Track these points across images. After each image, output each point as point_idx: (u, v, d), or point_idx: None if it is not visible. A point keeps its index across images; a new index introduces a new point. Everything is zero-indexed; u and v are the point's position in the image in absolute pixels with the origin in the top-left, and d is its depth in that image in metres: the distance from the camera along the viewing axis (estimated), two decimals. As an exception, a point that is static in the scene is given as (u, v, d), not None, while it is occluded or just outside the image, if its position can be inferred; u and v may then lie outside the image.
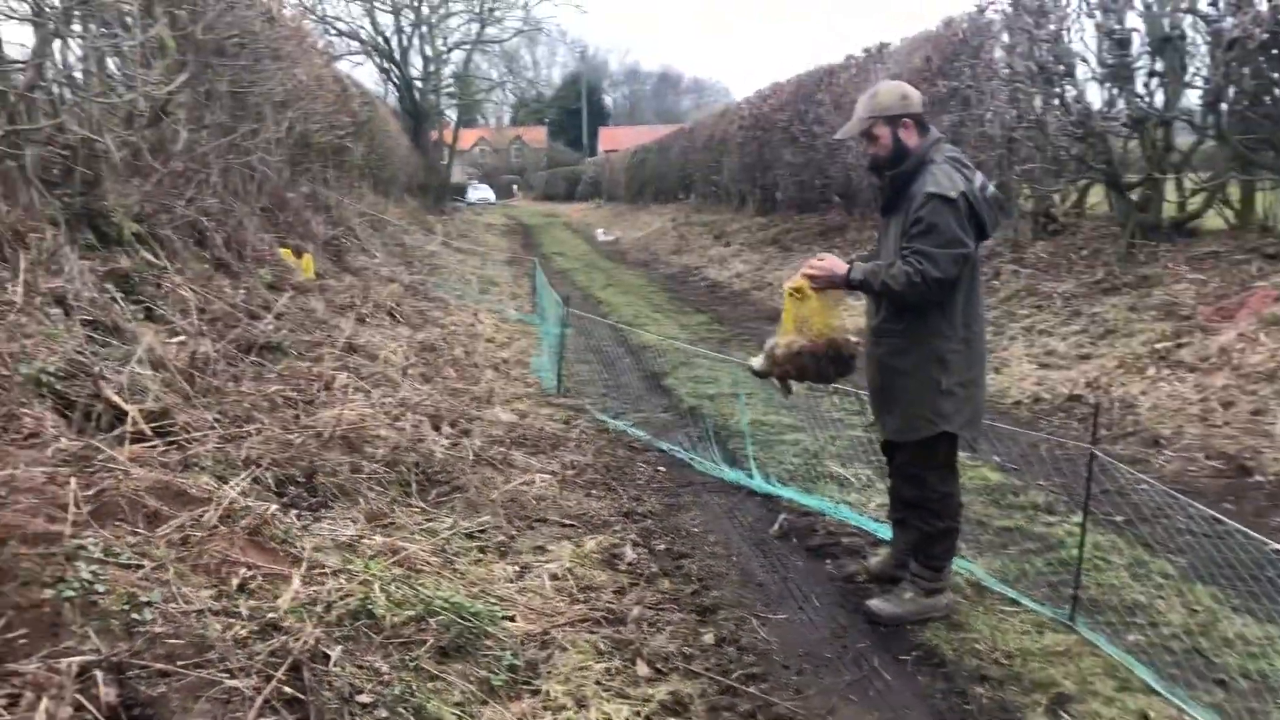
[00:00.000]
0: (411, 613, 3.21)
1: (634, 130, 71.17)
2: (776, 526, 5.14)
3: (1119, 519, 5.00)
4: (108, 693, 2.36)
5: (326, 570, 3.29)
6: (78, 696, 2.31)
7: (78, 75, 6.79)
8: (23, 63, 5.74)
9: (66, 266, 5.50)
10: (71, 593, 2.68)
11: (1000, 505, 5.35)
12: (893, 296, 3.81)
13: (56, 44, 6.37)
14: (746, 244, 20.91)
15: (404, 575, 3.50)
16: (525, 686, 3.16)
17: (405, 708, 2.70)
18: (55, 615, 2.58)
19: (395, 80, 40.63)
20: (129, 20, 7.38)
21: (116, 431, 4.09)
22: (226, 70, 9.19)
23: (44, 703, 2.26)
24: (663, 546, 4.81)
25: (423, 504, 4.61)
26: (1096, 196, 12.07)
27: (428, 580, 3.56)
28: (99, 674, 2.39)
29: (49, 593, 2.65)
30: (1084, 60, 10.86)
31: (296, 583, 3.05)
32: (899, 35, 22.37)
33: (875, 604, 4.03)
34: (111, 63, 7.51)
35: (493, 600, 3.67)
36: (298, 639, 2.73)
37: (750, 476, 5.88)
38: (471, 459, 5.50)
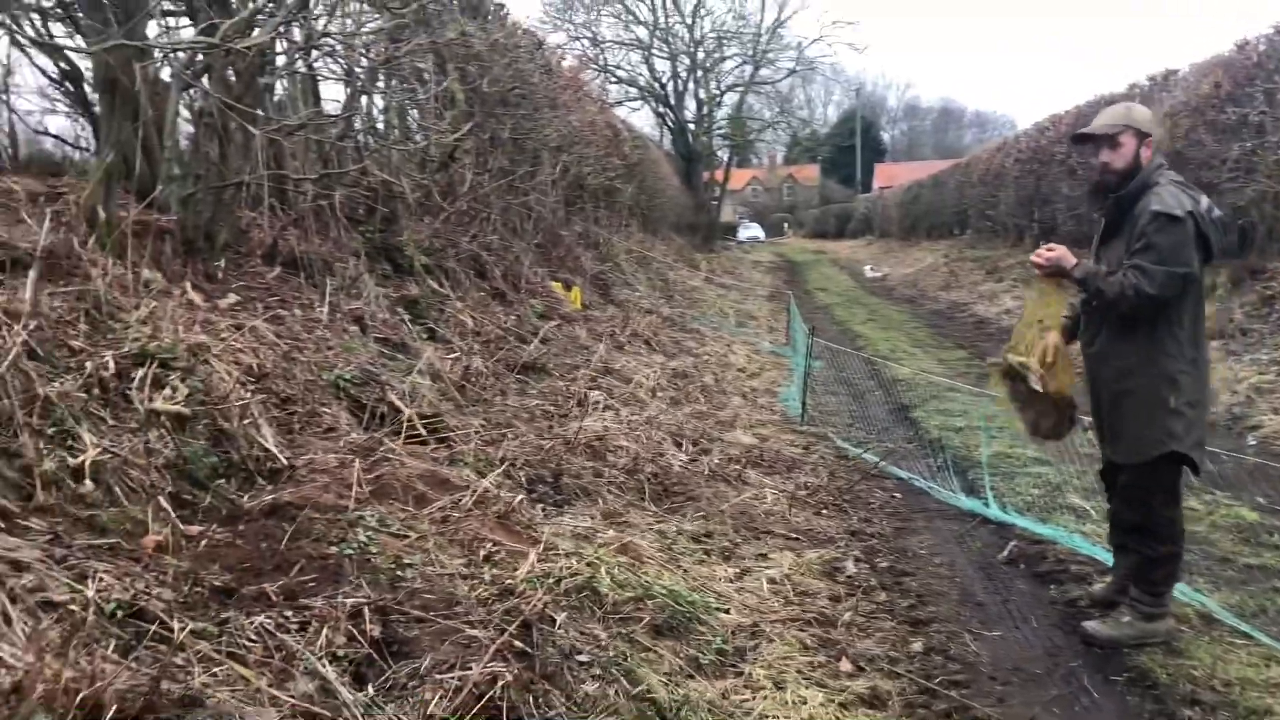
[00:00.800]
0: (632, 594, 3.58)
1: (910, 166, 69.97)
2: (1005, 552, 5.17)
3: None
4: (373, 629, 2.86)
5: (560, 552, 3.72)
6: (350, 628, 2.82)
7: (380, 126, 7.74)
8: (336, 117, 6.66)
9: (365, 292, 6.33)
10: (351, 551, 3.23)
11: (1251, 543, 5.13)
12: (1102, 303, 3.88)
13: (363, 99, 7.32)
14: (1020, 279, 20.29)
15: (629, 563, 3.88)
16: (730, 668, 3.46)
17: (618, 670, 3.06)
18: (337, 567, 3.13)
19: (669, 123, 42.14)
20: (425, 76, 8.35)
21: (396, 430, 4.73)
22: (508, 119, 10.10)
23: (325, 630, 2.77)
24: (885, 564, 4.97)
25: (655, 509, 5.00)
26: None
27: (650, 570, 3.92)
28: (368, 613, 2.89)
29: (334, 549, 3.22)
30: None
31: (532, 558, 3.50)
32: (1187, 61, 20.99)
33: (1092, 626, 4.03)
34: (408, 115, 8.49)
35: (709, 594, 3.98)
36: (529, 603, 3.16)
37: (986, 505, 5.90)
38: (707, 473, 5.85)
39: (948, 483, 6.39)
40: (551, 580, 3.44)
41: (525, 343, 7.76)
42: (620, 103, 40.01)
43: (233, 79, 5.85)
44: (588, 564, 3.68)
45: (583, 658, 3.08)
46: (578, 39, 39.64)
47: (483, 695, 2.71)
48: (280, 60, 6.04)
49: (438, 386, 5.47)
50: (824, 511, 5.74)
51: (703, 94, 42.70)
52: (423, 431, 4.84)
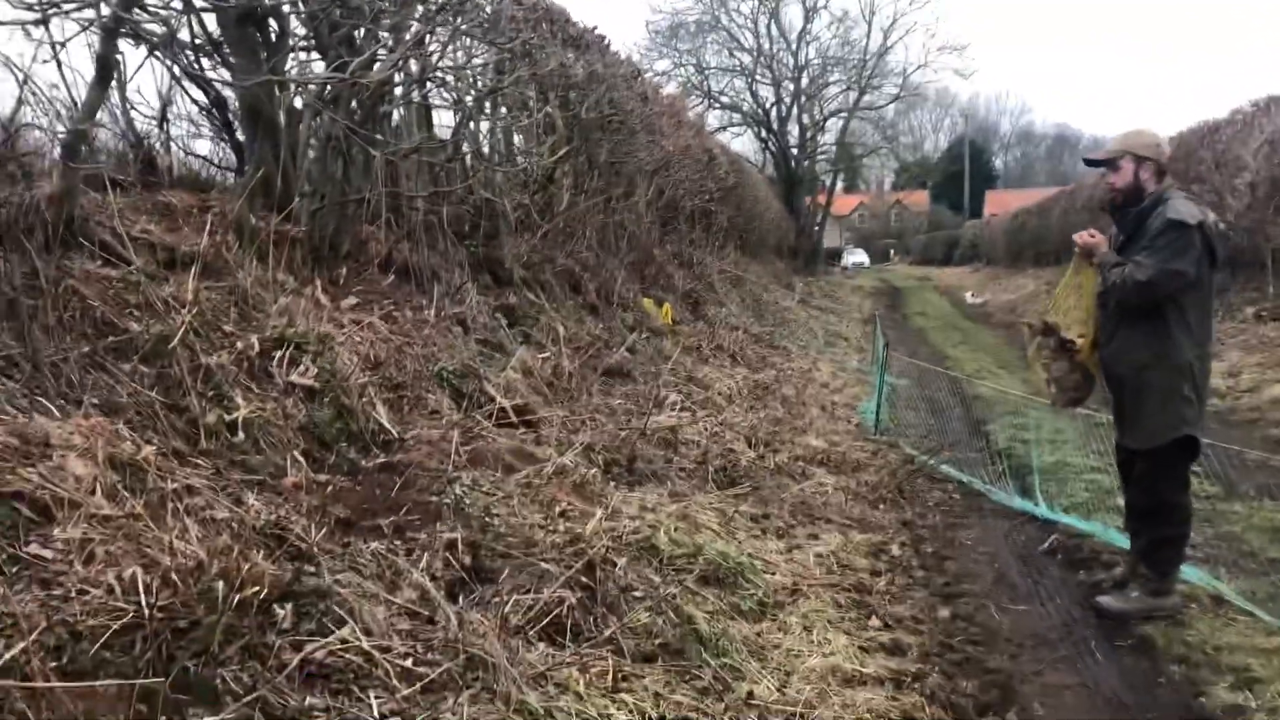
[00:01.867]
0: (685, 551, 4.15)
1: (1022, 193, 68.92)
2: (1047, 544, 5.58)
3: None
4: (465, 558, 3.49)
5: (625, 514, 4.31)
6: (447, 556, 3.45)
7: (485, 149, 8.47)
8: (444, 141, 7.40)
9: (468, 298, 7.03)
10: (448, 501, 3.88)
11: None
12: (1107, 287, 4.33)
13: (470, 125, 8.06)
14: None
15: (687, 528, 4.45)
16: (767, 615, 3.99)
17: (666, 604, 3.62)
18: (437, 511, 3.77)
19: (771, 149, 42.64)
20: (528, 103, 9.08)
21: (490, 415, 5.39)
22: (605, 143, 10.79)
23: (425, 556, 3.41)
24: (930, 549, 5.44)
25: (719, 493, 5.54)
26: None
27: (705, 535, 4.48)
28: (460, 546, 3.52)
29: (434, 499, 3.87)
30: None
31: (600, 514, 4.09)
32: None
33: (1104, 600, 4.46)
34: (512, 139, 9.23)
35: (757, 560, 4.52)
36: (594, 548, 3.75)
37: (1036, 505, 6.29)
38: (772, 468, 6.38)
39: (1005, 486, 6.79)
40: (616, 534, 4.02)
41: (612, 349, 8.38)
42: (724, 128, 40.76)
43: (356, 108, 6.65)
44: (649, 525, 4.26)
45: (637, 593, 3.65)
46: (681, 65, 40.50)
47: (551, 613, 3.32)
48: (398, 91, 6.78)
49: (529, 381, 6.12)
50: (880, 506, 6.21)
51: (806, 119, 43.15)
52: (514, 418, 5.48)
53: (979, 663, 3.92)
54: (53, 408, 3.13)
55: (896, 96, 43.27)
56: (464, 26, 6.76)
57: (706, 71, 41.35)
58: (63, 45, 4.77)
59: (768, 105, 42.50)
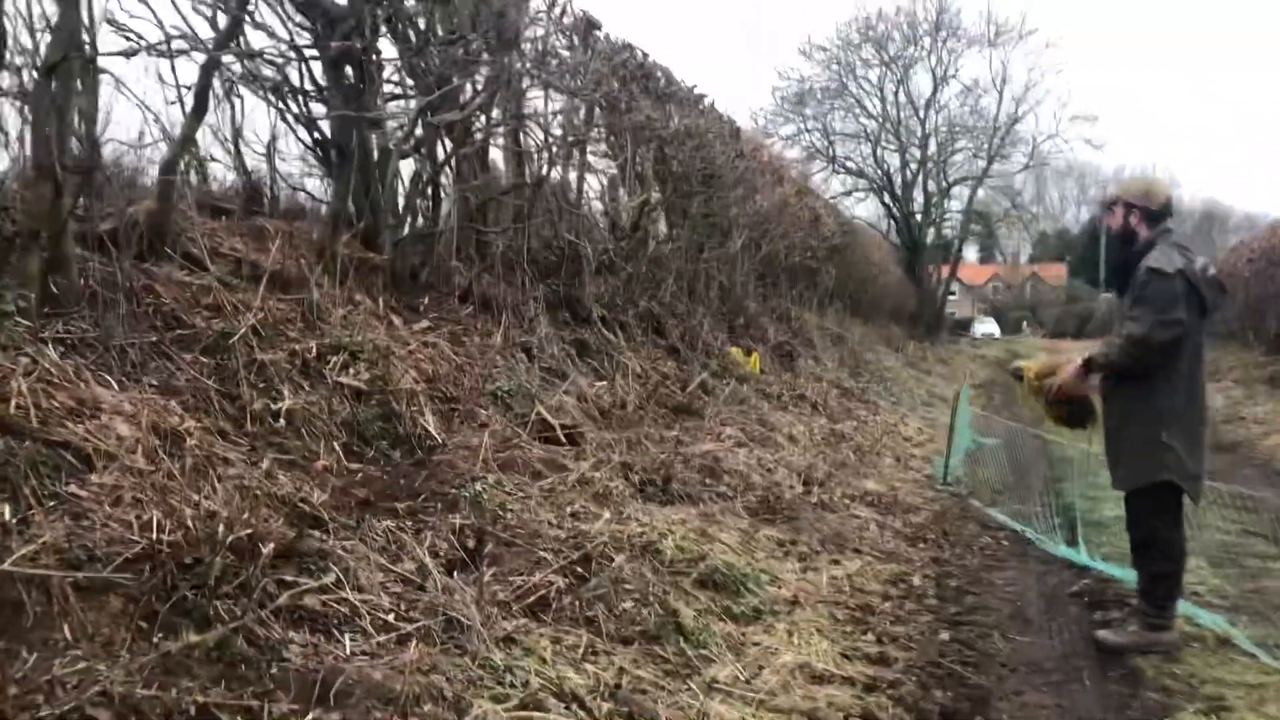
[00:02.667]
0: (690, 557, 4.40)
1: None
2: (1076, 587, 5.60)
3: None
4: (469, 542, 3.83)
5: (636, 521, 4.59)
6: (452, 539, 3.80)
7: (572, 194, 8.95)
8: (527, 184, 7.88)
9: (539, 330, 7.45)
10: (467, 494, 4.23)
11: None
12: (1118, 366, 4.44)
13: (557, 169, 8.55)
14: (1239, 380, 19.66)
15: (698, 539, 4.69)
16: (760, 621, 4.20)
17: (654, 597, 3.88)
18: (454, 502, 4.13)
19: (895, 214, 42.49)
20: (616, 152, 9.55)
21: (537, 432, 5.75)
22: (698, 195, 11.19)
23: (431, 536, 3.76)
24: (954, 584, 5.53)
25: (750, 518, 5.75)
26: None
27: (716, 547, 4.72)
28: (468, 531, 3.87)
29: (454, 491, 4.23)
30: None
31: (606, 515, 4.38)
32: None
33: (1103, 634, 4.51)
34: (600, 185, 9.72)
35: (765, 574, 4.72)
36: (594, 544, 4.05)
37: (1078, 552, 6.30)
38: (817, 503, 6.55)
39: (1054, 535, 6.79)
40: (621, 536, 4.31)
41: (685, 391, 8.68)
42: (848, 193, 40.89)
43: (446, 147, 7.20)
44: (658, 533, 4.53)
45: (629, 586, 3.92)
46: (807, 131, 40.90)
47: (538, 593, 3.63)
48: (479, 135, 7.31)
49: (581, 406, 6.46)
50: (919, 545, 6.31)
51: (932, 186, 42.90)
52: (561, 437, 5.83)
53: (961, 679, 4.03)
54: (113, 382, 3.62)
55: (1026, 165, 42.67)
56: (544, 76, 7.26)
57: (832, 137, 41.61)
58: (188, 89, 5.41)
59: (892, 171, 42.46)
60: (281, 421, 4.14)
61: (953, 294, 48.03)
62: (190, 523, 2.98)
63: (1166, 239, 4.50)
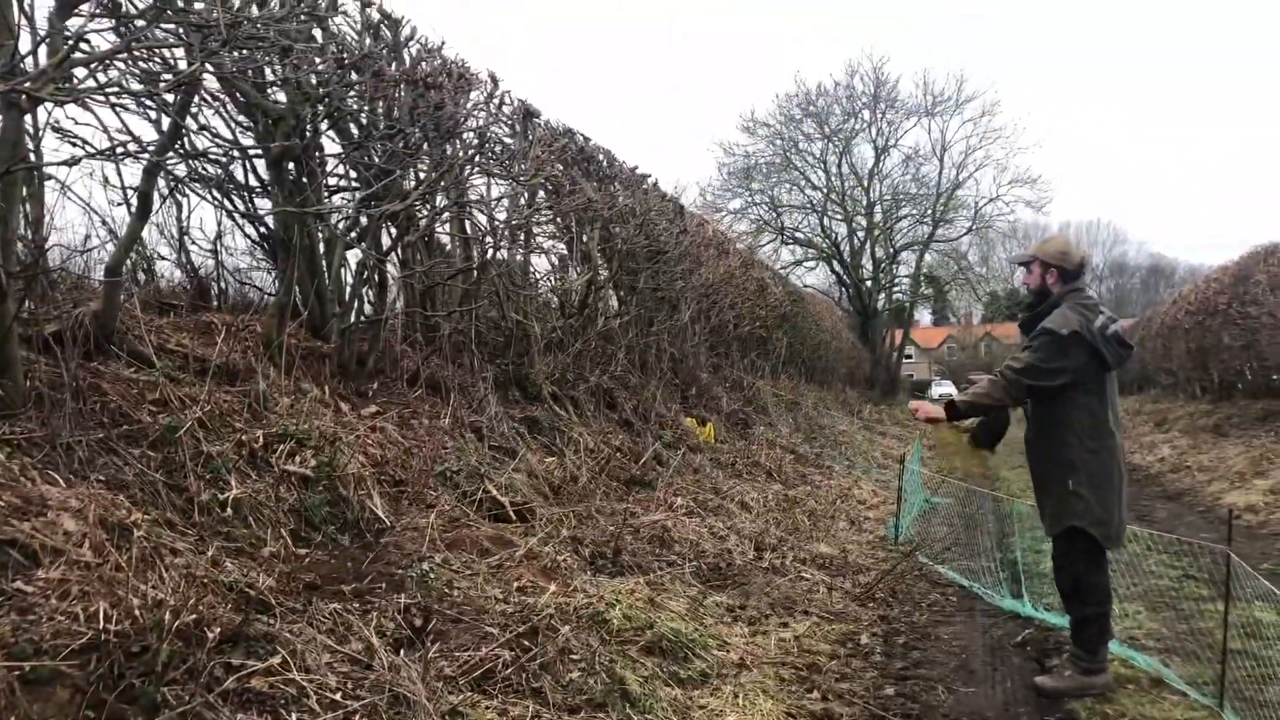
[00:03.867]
0: (637, 625, 4.49)
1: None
2: (1020, 638, 5.74)
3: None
4: (416, 620, 3.91)
5: (583, 592, 4.68)
6: (399, 618, 3.88)
7: (517, 275, 9.13)
8: (473, 267, 8.05)
9: (488, 410, 7.57)
10: (414, 574, 4.31)
11: (1258, 637, 5.52)
12: (979, 408, 4.70)
13: (503, 253, 8.75)
14: (1185, 430, 20.05)
15: (646, 607, 4.79)
16: (707, 685, 4.29)
17: (600, 665, 3.97)
18: (400, 582, 4.21)
19: (845, 281, 43.24)
20: (564, 233, 9.78)
21: (487, 510, 5.84)
22: (643, 271, 11.43)
23: (378, 617, 3.84)
24: (902, 641, 5.65)
25: (700, 585, 5.86)
26: None
27: (664, 615, 4.81)
28: (414, 610, 3.95)
29: (401, 572, 4.31)
30: None
31: (553, 588, 4.48)
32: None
33: (1041, 680, 4.66)
34: (545, 265, 9.93)
35: (713, 639, 4.82)
36: (540, 616, 4.14)
37: (1023, 604, 6.45)
38: (766, 567, 6.66)
39: (999, 588, 6.94)
40: (568, 609, 4.40)
41: (638, 462, 8.80)
42: (798, 263, 41.60)
43: (390, 234, 7.37)
44: (606, 603, 4.62)
45: (575, 656, 4.01)
46: (755, 204, 41.70)
47: (485, 666, 3.71)
48: (423, 223, 7.49)
49: (532, 482, 6.57)
50: (869, 605, 6.43)
51: (880, 252, 43.76)
52: (511, 514, 5.92)
53: (905, 730, 4.15)
54: (60, 479, 3.69)
55: (970, 229, 43.68)
56: (485, 164, 7.48)
57: (779, 209, 42.46)
58: (133, 190, 5.55)
59: (840, 239, 43.33)
60: (229, 511, 4.22)
61: (909, 357, 48.75)
62: (137, 612, 3.05)
63: (1075, 298, 4.75)
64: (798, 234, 43.38)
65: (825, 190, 42.66)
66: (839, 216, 43.13)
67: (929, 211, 43.09)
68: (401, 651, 3.72)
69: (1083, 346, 4.57)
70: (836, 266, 43.65)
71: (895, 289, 45.71)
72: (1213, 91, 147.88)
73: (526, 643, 3.98)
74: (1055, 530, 4.77)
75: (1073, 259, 4.87)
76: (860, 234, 43.47)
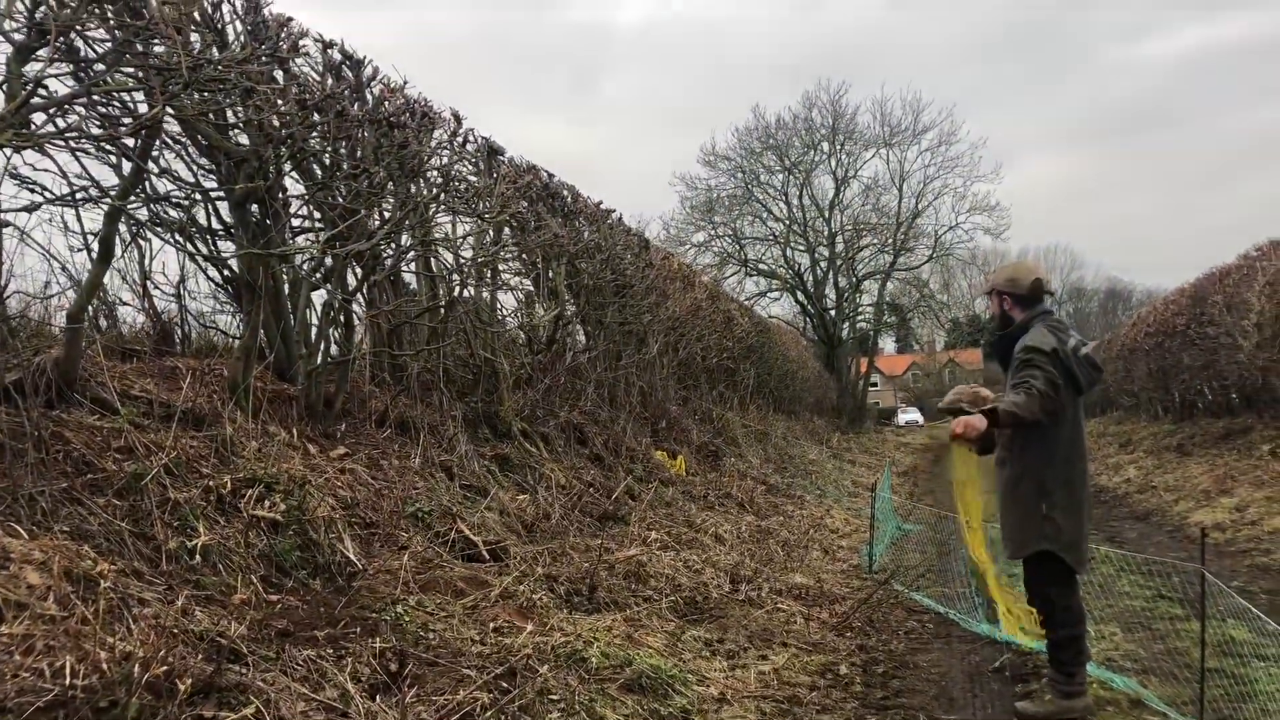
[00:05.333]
0: (616, 663, 4.44)
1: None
2: (998, 663, 5.74)
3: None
4: (392, 665, 3.84)
5: (560, 630, 4.63)
6: (374, 663, 3.81)
7: (484, 312, 9.10)
8: (441, 305, 8.01)
9: (458, 448, 7.52)
10: (388, 618, 4.25)
11: (1233, 655, 5.55)
12: (1020, 419, 4.58)
13: (469, 290, 8.72)
14: (1149, 450, 20.27)
15: (624, 645, 4.74)
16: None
17: (580, 704, 3.92)
18: (375, 626, 4.14)
19: (810, 311, 43.52)
20: (530, 269, 9.77)
21: (460, 550, 5.77)
22: (610, 305, 11.44)
23: (353, 662, 3.77)
24: (881, 669, 5.62)
25: (677, 620, 5.81)
26: None
27: (642, 651, 4.77)
28: (390, 655, 3.88)
29: (374, 615, 4.24)
30: None
31: (529, 627, 4.42)
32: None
33: (1021, 705, 4.65)
34: (512, 301, 9.91)
35: (692, 674, 4.78)
36: (517, 657, 4.08)
37: (997, 629, 6.45)
38: (743, 600, 6.62)
39: (974, 614, 6.95)
40: (545, 647, 4.35)
41: (609, 497, 8.76)
42: (763, 294, 41.83)
43: (356, 274, 7.33)
44: (584, 641, 4.57)
45: (554, 696, 3.96)
46: (718, 237, 41.95)
47: (463, 711, 3.64)
48: (389, 262, 7.45)
49: (504, 521, 6.51)
50: (847, 634, 6.40)
51: (843, 281, 44.12)
52: (485, 554, 5.86)
53: (888, 760, 4.12)
54: (23, 531, 3.61)
55: (930, 257, 44.18)
56: (449, 201, 7.47)
57: (742, 241, 42.75)
58: (94, 235, 5.48)
59: (803, 270, 43.65)
60: (198, 558, 4.14)
61: (874, 385, 49.05)
62: (104, 665, 2.98)
63: (1044, 320, 4.79)
64: (761, 265, 43.71)
65: (787, 222, 43.07)
66: (801, 247, 43.52)
67: (890, 241, 43.57)
68: (378, 697, 3.65)
69: (1059, 366, 4.60)
70: (800, 297, 43.96)
71: (859, 318, 46.09)
72: (1155, 117, 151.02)
73: (505, 684, 3.93)
74: (1021, 554, 4.78)
75: (1021, 284, 4.92)
76: (823, 264, 43.85)
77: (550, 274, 10.06)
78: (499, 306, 9.71)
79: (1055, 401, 4.54)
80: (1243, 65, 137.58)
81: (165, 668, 3.09)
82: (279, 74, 6.20)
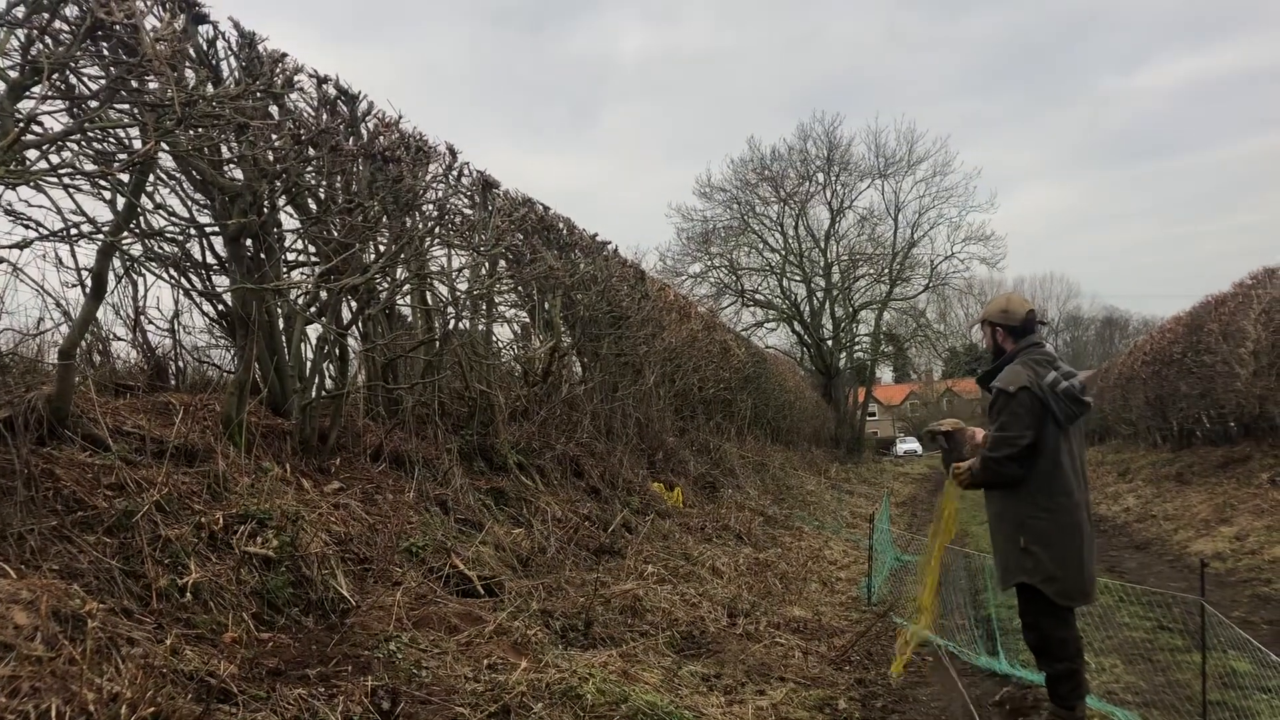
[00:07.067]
0: (612, 700, 4.39)
1: (1070, 376, 68.91)
2: (998, 696, 5.68)
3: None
4: (384, 704, 3.79)
5: (555, 667, 4.58)
6: (366, 702, 3.76)
7: (480, 345, 9.09)
8: (436, 339, 8.01)
9: (454, 482, 7.48)
10: (380, 655, 4.20)
11: (1235, 687, 5.50)
12: (986, 484, 4.70)
13: (464, 323, 8.72)
14: (1148, 479, 20.23)
15: (620, 680, 4.69)
16: (684, 758, 4.19)
17: (574, 744, 3.87)
18: (367, 664, 4.10)
19: (806, 341, 43.55)
20: (526, 302, 9.77)
21: (455, 585, 5.73)
22: (606, 337, 11.44)
23: (345, 700, 3.73)
24: (880, 704, 5.57)
25: (674, 655, 5.76)
26: None
27: (639, 688, 4.71)
28: (382, 693, 3.83)
29: (367, 653, 4.19)
30: None
31: (524, 664, 4.37)
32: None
33: (1022, 739, 4.60)
34: (508, 334, 9.90)
35: (689, 709, 4.72)
36: (512, 694, 4.04)
37: (999, 662, 6.40)
38: (740, 634, 6.57)
39: (975, 646, 6.89)
40: (540, 684, 4.30)
41: (605, 530, 8.71)
42: (759, 324, 41.87)
43: (350, 309, 7.32)
44: (579, 677, 4.52)
45: (548, 735, 3.91)
46: (715, 267, 42.04)
47: (456, 750, 3.59)
48: (383, 295, 7.45)
49: (499, 555, 6.46)
50: (845, 668, 6.35)
51: (840, 311, 44.20)
52: (479, 589, 5.82)
53: (888, 799, 4.06)
54: (11, 570, 3.57)
55: (927, 287, 44.29)
56: (445, 235, 7.47)
57: (738, 271, 42.84)
58: (87, 271, 5.48)
59: (799, 300, 43.74)
60: (188, 596, 4.10)
61: (873, 414, 49.01)
62: (92, 707, 2.94)
63: (1028, 354, 4.79)
64: (758, 296, 43.79)
65: (783, 252, 43.18)
66: (797, 278, 43.63)
67: (886, 270, 43.68)
68: (370, 737, 3.60)
69: (1034, 402, 4.60)
70: (797, 327, 44.01)
71: (856, 348, 46.12)
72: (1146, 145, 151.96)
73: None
74: (1006, 585, 4.82)
75: (1014, 315, 4.94)
76: (819, 294, 43.95)
77: (546, 306, 10.07)
78: (494, 339, 9.71)
79: (1007, 467, 4.59)
80: (1236, 94, 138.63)
81: (153, 709, 3.05)
82: (273, 109, 6.22)
